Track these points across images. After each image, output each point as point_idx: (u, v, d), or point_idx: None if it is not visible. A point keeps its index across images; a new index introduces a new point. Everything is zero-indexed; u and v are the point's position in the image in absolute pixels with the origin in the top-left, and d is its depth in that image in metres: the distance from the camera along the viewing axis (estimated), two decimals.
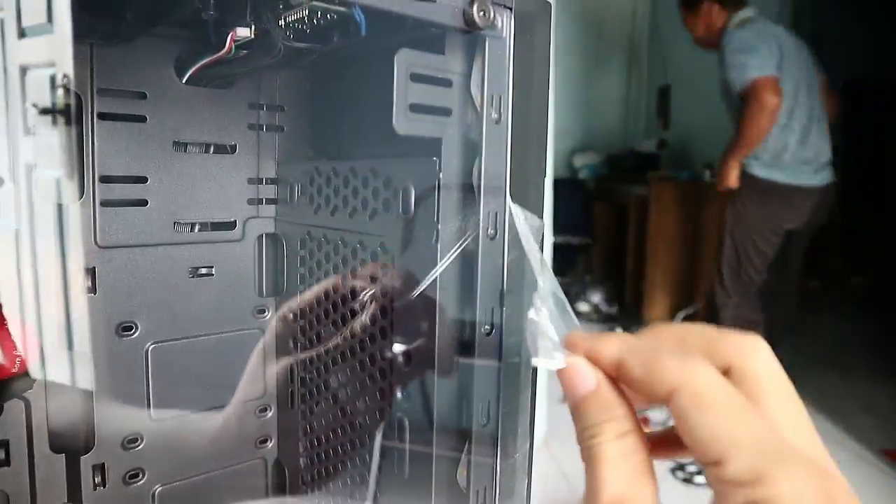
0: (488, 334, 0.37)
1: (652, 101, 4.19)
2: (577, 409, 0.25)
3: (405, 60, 0.34)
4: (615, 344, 0.25)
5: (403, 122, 0.34)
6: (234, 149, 0.48)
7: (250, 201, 0.50)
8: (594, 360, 0.25)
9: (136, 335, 0.46)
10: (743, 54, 1.81)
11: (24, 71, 0.32)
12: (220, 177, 0.48)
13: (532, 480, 0.41)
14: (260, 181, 0.50)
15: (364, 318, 0.45)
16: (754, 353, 0.24)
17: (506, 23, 0.35)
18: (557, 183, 2.44)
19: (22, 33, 0.31)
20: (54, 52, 0.32)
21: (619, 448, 0.24)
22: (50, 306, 0.42)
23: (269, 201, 0.51)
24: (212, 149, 0.47)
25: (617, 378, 0.25)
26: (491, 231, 0.36)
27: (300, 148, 0.51)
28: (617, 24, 4.23)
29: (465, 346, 0.37)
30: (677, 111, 3.96)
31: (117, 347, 0.45)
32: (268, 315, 0.51)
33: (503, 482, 0.38)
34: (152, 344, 0.46)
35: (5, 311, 0.38)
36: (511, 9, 0.35)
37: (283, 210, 0.50)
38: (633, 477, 0.23)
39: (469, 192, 0.36)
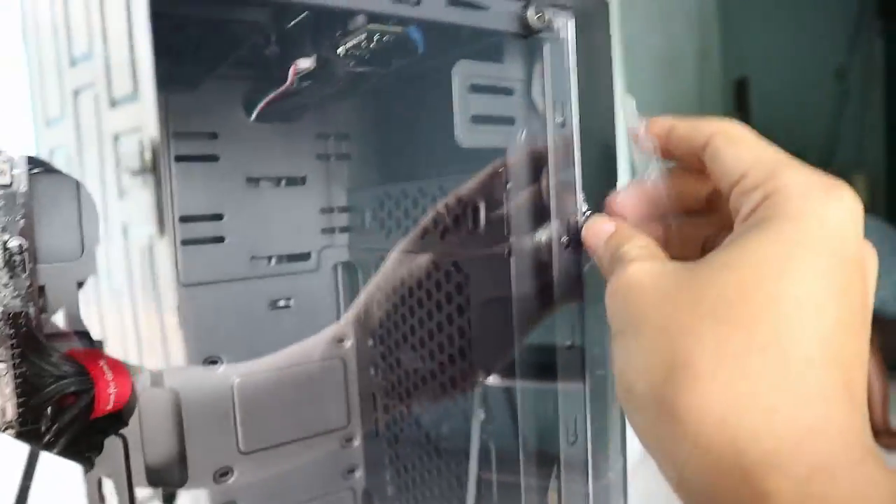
0: (570, 348, 0.35)
1: (728, 95, 4.03)
2: (603, 247, 0.29)
3: (463, 72, 0.33)
4: (666, 118, 0.30)
5: (466, 135, 0.33)
6: (304, 180, 0.49)
7: (324, 231, 0.50)
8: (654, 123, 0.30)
9: (222, 368, 0.47)
10: None
11: (116, 138, 0.34)
12: (293, 209, 0.48)
13: (629, 501, 0.39)
14: (332, 210, 0.50)
15: (443, 339, 0.45)
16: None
17: (564, 25, 0.34)
18: None
19: (112, 102, 0.32)
20: (141, 118, 0.34)
21: (644, 250, 0.27)
22: (142, 345, 0.44)
23: (343, 230, 0.51)
24: (283, 182, 0.48)
25: (667, 141, 0.30)
26: (565, 239, 0.34)
27: (369, 173, 0.51)
28: (684, 23, 4.12)
29: (548, 362, 0.35)
30: (758, 104, 3.79)
31: (204, 382, 0.46)
32: (347, 343, 0.52)
33: None
34: (237, 377, 0.47)
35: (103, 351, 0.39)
36: (569, 8, 0.34)
37: (357, 237, 0.51)
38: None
39: (539, 200, 0.35)
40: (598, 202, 0.35)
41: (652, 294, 0.24)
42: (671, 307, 0.23)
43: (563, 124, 0.34)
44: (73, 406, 0.35)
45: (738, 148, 0.26)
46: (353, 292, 0.51)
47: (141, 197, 0.39)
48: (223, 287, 0.46)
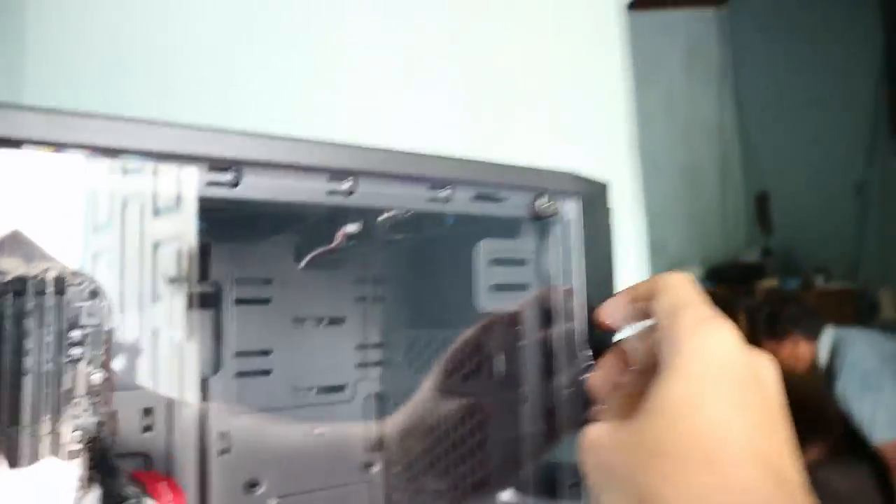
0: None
1: (750, 209, 4.11)
2: None
3: (485, 250, 0.40)
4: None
5: (486, 301, 0.39)
6: (343, 320, 0.55)
7: (359, 365, 0.56)
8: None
9: (261, 491, 0.51)
10: None
11: (155, 247, 0.40)
12: (333, 346, 0.54)
13: None
14: (367, 346, 0.56)
15: (465, 469, 0.49)
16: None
17: (570, 209, 0.41)
18: None
19: (156, 212, 0.39)
20: (182, 226, 0.40)
21: (606, 412, 0.34)
22: (189, 466, 0.49)
23: (376, 364, 0.56)
24: (325, 321, 0.54)
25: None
26: (570, 390, 0.39)
27: (401, 316, 0.57)
28: (705, 136, 4.28)
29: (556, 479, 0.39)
30: (779, 216, 3.85)
31: (244, 503, 0.51)
32: (375, 469, 0.56)
33: None
34: (275, 499, 0.51)
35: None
36: (575, 194, 0.41)
37: (388, 371, 0.56)
38: None
39: (550, 355, 0.40)
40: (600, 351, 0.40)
41: (609, 449, 0.30)
42: (627, 456, 0.28)
43: (569, 290, 0.40)
44: None
45: (664, 296, 0.32)
46: (382, 421, 0.56)
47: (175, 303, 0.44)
48: (268, 415, 0.51)
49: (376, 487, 0.55)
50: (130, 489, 0.40)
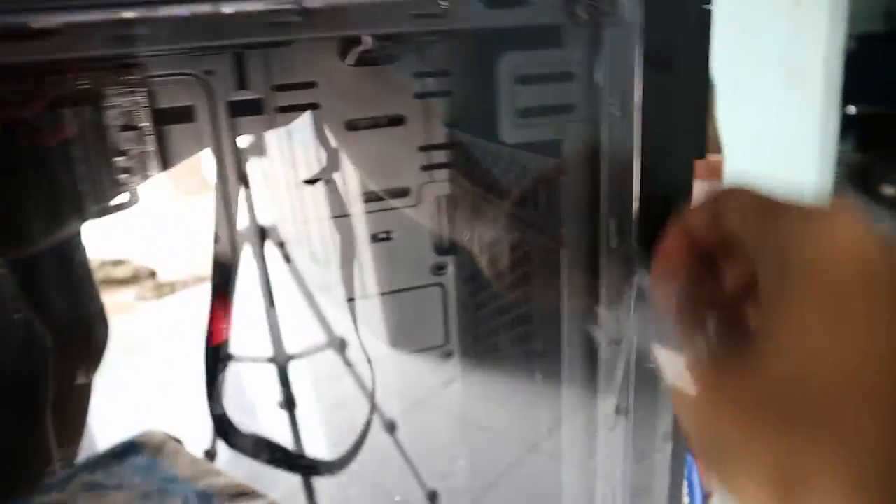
0: (616, 344, 0.35)
1: None
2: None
3: (510, 66, 0.32)
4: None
5: (511, 132, 0.32)
6: (402, 120, 0.50)
7: (423, 167, 0.52)
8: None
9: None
10: None
11: None
12: (392, 149, 0.50)
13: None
14: (432, 147, 0.51)
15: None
16: None
17: (631, 5, 0.30)
18: (867, 39, 2.00)
19: None
20: None
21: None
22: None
23: (442, 165, 0.52)
24: (383, 122, 0.50)
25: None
26: (616, 240, 0.33)
27: (467, 114, 0.50)
28: None
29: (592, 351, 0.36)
30: None
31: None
32: (447, 271, 0.55)
33: (637, 484, 0.38)
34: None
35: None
36: None
37: (456, 174, 0.52)
38: None
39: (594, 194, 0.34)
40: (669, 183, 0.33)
41: (723, 410, 0.22)
42: (752, 420, 0.21)
43: (620, 115, 0.32)
44: None
45: (732, 206, 0.25)
46: (453, 224, 0.54)
47: None
48: (334, 223, 0.51)
49: (449, 290, 0.55)
50: None
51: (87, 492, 0.57)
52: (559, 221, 0.35)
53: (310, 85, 0.47)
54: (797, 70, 1.37)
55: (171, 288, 2.06)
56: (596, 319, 0.35)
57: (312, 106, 0.47)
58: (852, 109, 2.30)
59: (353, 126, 0.49)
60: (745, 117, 1.37)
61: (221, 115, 0.45)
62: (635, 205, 0.32)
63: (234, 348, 0.52)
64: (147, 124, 0.43)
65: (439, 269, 0.55)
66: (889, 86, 2.21)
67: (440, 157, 0.52)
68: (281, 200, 0.70)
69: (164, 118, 0.43)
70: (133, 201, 0.46)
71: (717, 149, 0.97)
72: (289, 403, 0.95)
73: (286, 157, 0.57)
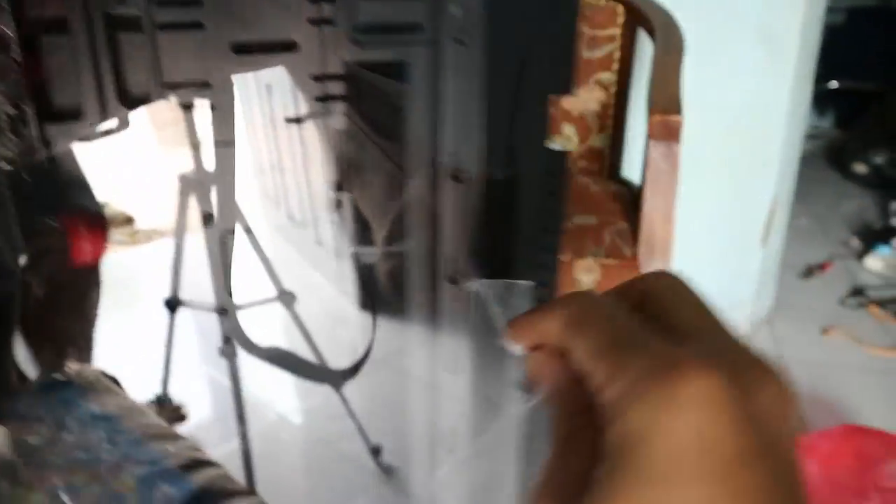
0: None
1: None
2: None
3: None
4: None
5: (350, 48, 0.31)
6: (295, 46, 0.49)
7: (317, 99, 0.50)
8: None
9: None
10: None
11: None
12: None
13: None
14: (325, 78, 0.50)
15: None
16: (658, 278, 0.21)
17: None
18: (855, 12, 1.97)
19: None
20: None
21: None
22: None
23: (337, 97, 0.51)
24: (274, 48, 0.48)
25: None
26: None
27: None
28: None
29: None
30: None
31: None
32: (342, 207, 0.54)
33: None
34: None
35: None
36: None
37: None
38: None
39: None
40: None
41: None
42: None
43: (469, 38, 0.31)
44: None
45: (584, 335, 0.19)
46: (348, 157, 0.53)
47: None
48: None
49: (346, 224, 0.54)
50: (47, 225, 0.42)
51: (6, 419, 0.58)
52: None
53: (195, 2, 0.45)
54: (772, 37, 1.35)
55: (148, 236, 2.05)
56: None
57: (197, 25, 0.46)
58: (834, 84, 2.27)
59: (240, 49, 0.47)
60: (715, 81, 1.35)
61: (99, 28, 0.43)
62: (481, 136, 0.31)
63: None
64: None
65: (337, 205, 0.55)
66: (874, 62, 2.18)
67: (336, 88, 0.51)
68: None
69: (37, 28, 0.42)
70: (122, 127, 0.45)
71: (678, 109, 0.95)
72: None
73: None
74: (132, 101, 0.48)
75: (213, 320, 0.74)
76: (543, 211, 0.32)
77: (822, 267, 1.74)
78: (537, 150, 0.30)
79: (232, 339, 0.99)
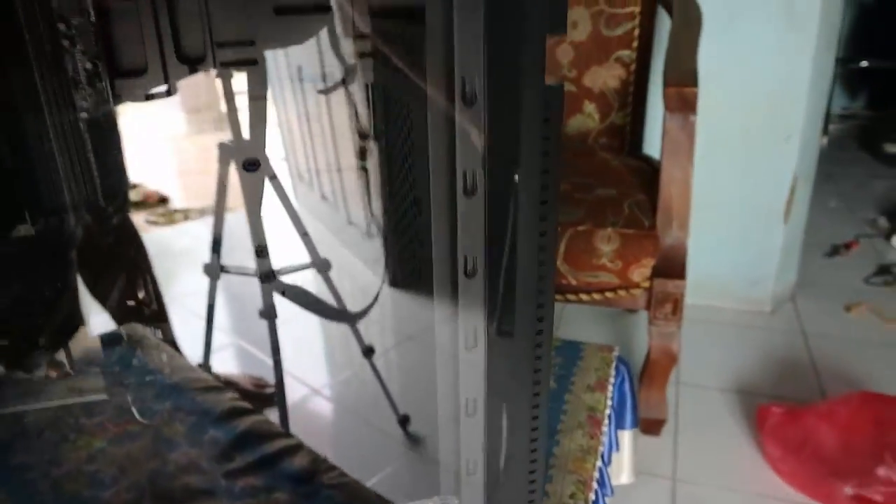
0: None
1: None
2: None
3: None
4: None
5: None
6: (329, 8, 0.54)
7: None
8: None
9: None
10: None
11: None
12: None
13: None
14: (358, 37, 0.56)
15: None
16: None
17: None
18: None
19: None
20: None
21: None
22: None
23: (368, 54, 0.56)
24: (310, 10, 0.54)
25: None
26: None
27: None
28: None
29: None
30: None
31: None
32: (371, 157, 0.60)
33: None
34: None
35: None
36: None
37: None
38: None
39: None
40: None
41: None
42: None
43: None
44: None
45: None
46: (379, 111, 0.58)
47: None
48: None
49: (373, 173, 0.60)
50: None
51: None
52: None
53: None
54: (794, 11, 1.35)
55: (185, 215, 2.12)
56: None
57: None
58: (865, 64, 2.26)
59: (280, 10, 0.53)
60: (736, 56, 1.36)
61: None
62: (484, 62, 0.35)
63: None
64: None
65: (363, 153, 0.60)
66: None
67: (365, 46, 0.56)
68: None
69: None
70: (171, 92, 0.51)
71: (693, 82, 0.98)
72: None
73: None
74: (189, 60, 0.54)
75: (247, 295, 0.78)
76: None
77: (847, 246, 1.74)
78: (536, 85, 0.34)
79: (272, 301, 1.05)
